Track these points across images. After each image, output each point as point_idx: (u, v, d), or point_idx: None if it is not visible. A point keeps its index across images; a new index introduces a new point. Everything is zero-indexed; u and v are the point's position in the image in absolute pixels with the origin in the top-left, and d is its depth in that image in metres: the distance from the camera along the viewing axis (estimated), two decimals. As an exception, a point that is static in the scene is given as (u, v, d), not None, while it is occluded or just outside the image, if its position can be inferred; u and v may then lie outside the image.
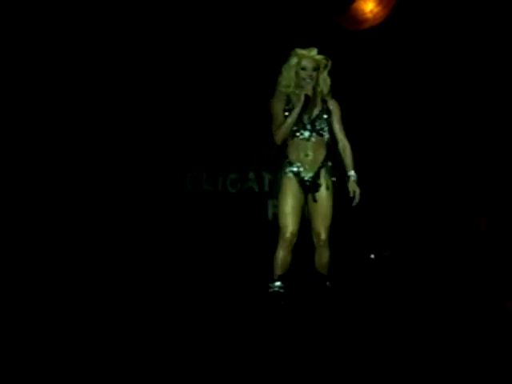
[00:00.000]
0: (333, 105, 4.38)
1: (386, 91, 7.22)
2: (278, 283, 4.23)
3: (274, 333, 3.88)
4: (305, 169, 4.28)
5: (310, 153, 4.27)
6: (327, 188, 4.29)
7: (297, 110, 4.19)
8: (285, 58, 4.36)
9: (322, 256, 4.32)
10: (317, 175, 4.29)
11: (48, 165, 6.95)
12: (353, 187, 4.29)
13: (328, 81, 4.36)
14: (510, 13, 6.70)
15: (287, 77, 4.30)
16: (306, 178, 4.28)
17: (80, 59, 6.92)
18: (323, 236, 4.27)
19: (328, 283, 4.32)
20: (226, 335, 3.82)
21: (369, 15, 6.68)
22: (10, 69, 6.73)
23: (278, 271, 4.25)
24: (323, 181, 4.28)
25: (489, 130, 7.15)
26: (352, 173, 4.32)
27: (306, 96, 4.17)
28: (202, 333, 3.86)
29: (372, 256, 7.04)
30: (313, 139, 4.28)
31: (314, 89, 4.26)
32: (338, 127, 4.36)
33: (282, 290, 4.22)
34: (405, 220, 7.26)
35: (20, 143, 6.88)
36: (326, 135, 4.33)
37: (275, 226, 4.38)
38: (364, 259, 6.97)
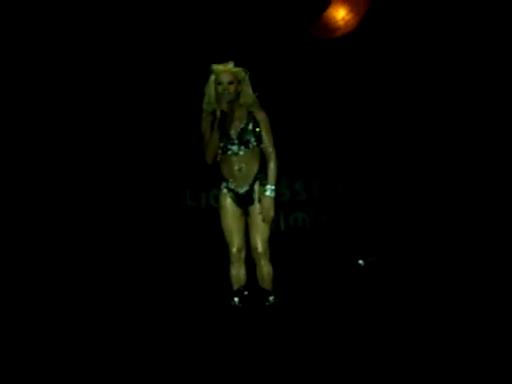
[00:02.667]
0: (259, 115, 4.27)
1: (358, 99, 7.23)
2: (236, 299, 4.30)
3: (231, 346, 3.92)
4: (238, 183, 4.28)
5: (243, 165, 4.25)
6: (260, 201, 4.25)
7: (214, 128, 4.17)
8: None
9: (262, 270, 4.29)
10: (251, 189, 4.28)
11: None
12: (266, 203, 4.21)
13: (250, 91, 4.26)
14: (498, 18, 6.74)
15: (208, 94, 4.28)
16: (240, 192, 4.29)
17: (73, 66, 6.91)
18: (260, 249, 4.26)
19: (272, 298, 4.28)
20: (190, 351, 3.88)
21: (341, 23, 6.71)
22: (10, 69, 6.72)
23: (235, 286, 4.33)
24: (258, 193, 4.26)
25: (479, 141, 7.17)
26: (268, 186, 4.23)
27: (222, 111, 4.15)
28: (177, 348, 3.93)
29: (360, 262, 7.03)
30: (241, 152, 4.24)
31: (233, 102, 4.21)
32: (264, 138, 4.27)
33: (240, 305, 4.28)
34: (391, 225, 7.27)
35: (16, 146, 6.85)
36: (253, 146, 4.25)
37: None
38: (351, 265, 6.96)
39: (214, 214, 7.13)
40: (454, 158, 7.17)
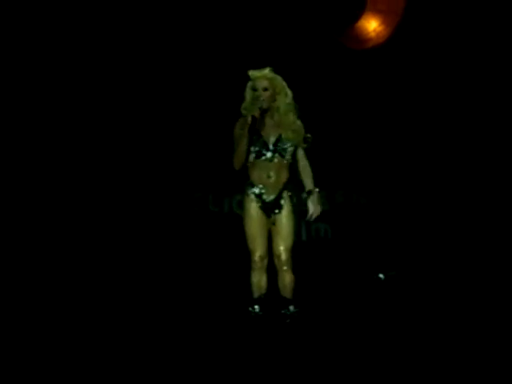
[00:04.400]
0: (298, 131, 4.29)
1: (389, 110, 7.20)
2: (256, 306, 4.25)
3: (253, 354, 3.88)
4: (267, 191, 4.25)
5: (273, 174, 4.23)
6: (289, 210, 4.25)
7: (244, 133, 4.15)
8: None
9: (284, 279, 4.26)
10: (279, 197, 4.25)
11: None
12: (312, 202, 4.26)
13: (287, 100, 4.23)
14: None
15: (246, 99, 4.28)
16: (267, 200, 4.25)
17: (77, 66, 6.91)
18: (283, 257, 4.23)
19: (292, 307, 4.24)
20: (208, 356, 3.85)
21: (372, 34, 6.69)
22: (10, 69, 6.71)
23: (256, 294, 4.27)
24: (285, 202, 4.24)
25: (486, 151, 7.11)
26: (312, 188, 4.28)
27: (253, 117, 4.12)
28: (191, 354, 3.89)
29: (381, 276, 6.98)
30: (275, 160, 4.23)
31: (268, 109, 4.20)
32: (299, 149, 4.30)
33: (260, 313, 4.23)
34: (412, 240, 7.21)
35: (16, 148, 6.87)
36: (288, 156, 4.26)
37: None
38: (372, 279, 6.91)
39: (237, 219, 7.19)
40: (476, 176, 7.13)
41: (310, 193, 4.30)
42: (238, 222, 7.02)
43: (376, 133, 7.27)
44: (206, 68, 7.05)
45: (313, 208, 4.27)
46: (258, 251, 4.25)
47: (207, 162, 7.23)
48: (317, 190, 4.29)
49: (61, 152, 6.95)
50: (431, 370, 3.53)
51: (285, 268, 4.25)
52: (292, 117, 4.26)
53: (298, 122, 4.29)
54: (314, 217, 4.29)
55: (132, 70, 7.02)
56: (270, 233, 4.30)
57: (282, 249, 4.23)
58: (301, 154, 4.32)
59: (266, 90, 4.20)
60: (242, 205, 4.41)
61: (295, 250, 4.34)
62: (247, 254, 4.34)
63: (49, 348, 3.96)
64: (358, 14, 6.74)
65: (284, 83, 4.25)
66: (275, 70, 4.24)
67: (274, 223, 4.25)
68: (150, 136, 7.20)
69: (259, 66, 4.23)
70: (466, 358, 3.78)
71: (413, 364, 3.67)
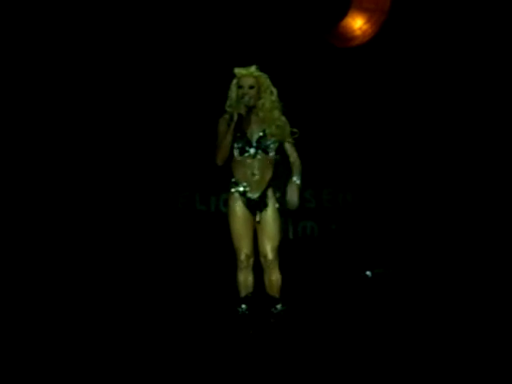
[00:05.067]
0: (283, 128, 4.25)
1: (375, 108, 7.21)
2: (243, 306, 4.21)
3: (241, 353, 3.88)
4: (251, 188, 4.22)
5: (256, 171, 4.20)
6: (274, 208, 4.21)
7: (229, 130, 4.13)
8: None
9: (271, 278, 4.21)
10: (263, 195, 4.21)
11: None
12: (291, 190, 4.17)
13: (272, 97, 4.21)
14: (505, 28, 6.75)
15: (230, 96, 4.26)
16: (252, 198, 4.22)
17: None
18: (270, 256, 4.19)
19: (279, 306, 4.19)
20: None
21: (358, 32, 6.70)
22: (10, 69, 6.71)
23: (242, 293, 4.23)
24: (270, 200, 4.21)
25: (481, 152, 7.15)
26: (295, 177, 4.21)
27: (239, 115, 4.11)
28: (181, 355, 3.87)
29: (368, 273, 7.00)
30: (258, 157, 4.20)
31: (253, 106, 4.18)
32: (287, 143, 4.27)
33: (247, 312, 4.19)
34: (399, 237, 7.24)
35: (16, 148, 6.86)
36: (272, 153, 4.23)
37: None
38: (359, 276, 6.93)
39: (224, 218, 7.21)
40: (466, 172, 7.16)
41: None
42: (224, 220, 7.06)
43: (362, 131, 7.29)
44: (188, 67, 7.04)
45: (288, 196, 4.19)
46: (244, 250, 4.21)
47: (194, 160, 7.22)
48: (298, 182, 4.21)
49: (47, 149, 6.93)
50: (418, 368, 3.54)
51: (271, 267, 4.21)
52: (277, 114, 4.23)
53: (283, 118, 4.26)
54: (290, 207, 4.20)
55: (116, 69, 7.00)
56: (256, 231, 4.26)
57: (269, 248, 4.20)
58: (289, 148, 4.28)
59: (252, 87, 4.18)
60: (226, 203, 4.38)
61: (282, 248, 4.31)
62: (234, 252, 4.32)
63: (43, 347, 3.95)
64: (343, 12, 6.74)
65: (269, 81, 4.23)
66: (260, 68, 4.23)
67: (259, 222, 4.21)
68: (137, 135, 7.18)
69: (244, 64, 4.22)
70: (454, 355, 3.79)
71: (400, 361, 3.68)
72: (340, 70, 6.99)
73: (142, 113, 7.17)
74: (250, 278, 4.26)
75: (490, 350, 3.83)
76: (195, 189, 7.40)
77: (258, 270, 4.30)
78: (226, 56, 6.59)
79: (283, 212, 4.30)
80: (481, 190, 7.11)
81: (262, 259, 4.23)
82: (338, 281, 6.64)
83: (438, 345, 4.03)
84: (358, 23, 6.69)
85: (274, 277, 4.23)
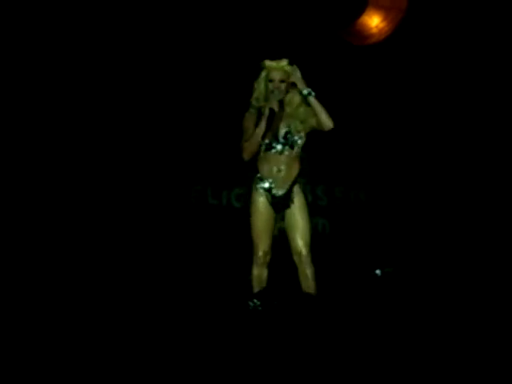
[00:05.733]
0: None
1: (389, 106, 7.20)
2: (256, 301, 4.17)
3: (252, 349, 3.84)
4: (276, 185, 4.14)
5: (283, 168, 4.13)
6: (301, 204, 4.14)
7: (260, 125, 4.05)
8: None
9: (307, 275, 4.15)
10: (289, 192, 4.14)
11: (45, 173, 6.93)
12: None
13: (305, 91, 4.13)
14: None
15: (258, 90, 4.17)
16: (277, 195, 4.14)
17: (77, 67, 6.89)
18: (304, 252, 4.13)
19: (318, 301, 4.17)
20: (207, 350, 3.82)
21: (374, 30, 6.67)
22: (9, 69, 6.68)
23: (256, 289, 4.19)
24: (296, 197, 4.14)
25: (485, 148, 7.12)
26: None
27: (271, 109, 4.04)
28: (191, 348, 3.87)
29: (377, 272, 6.98)
30: (286, 153, 4.13)
31: (283, 101, 4.12)
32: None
33: (260, 308, 4.15)
34: (410, 236, 7.22)
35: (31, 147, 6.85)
36: (298, 149, 4.17)
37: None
38: (369, 275, 6.92)
39: (236, 212, 7.22)
40: (479, 172, 7.13)
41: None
42: (236, 215, 7.09)
43: (375, 129, 7.27)
44: (202, 62, 7.03)
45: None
46: (262, 247, 4.15)
47: (206, 154, 7.22)
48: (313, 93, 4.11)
49: (53, 146, 6.92)
50: (427, 368, 3.54)
51: (306, 262, 4.14)
52: (304, 109, 4.17)
53: (307, 111, 4.17)
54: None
55: (127, 64, 6.99)
56: (284, 231, 4.19)
57: (302, 244, 4.13)
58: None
59: (282, 81, 4.10)
60: (249, 199, 4.25)
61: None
62: (246, 246, 4.30)
63: (43, 347, 3.95)
64: (360, 10, 6.72)
65: (299, 75, 4.13)
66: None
67: (282, 219, 4.14)
68: (148, 129, 7.18)
69: (259, 60, 4.18)
70: (463, 355, 3.78)
71: (409, 361, 3.68)
72: (355, 67, 6.98)
73: (154, 107, 7.16)
74: (265, 274, 4.21)
75: (498, 349, 3.82)
76: (207, 183, 7.40)
77: (272, 265, 4.27)
78: (241, 52, 6.61)
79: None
80: (493, 190, 7.09)
81: (296, 257, 4.16)
82: (349, 279, 6.63)
83: (447, 344, 4.02)
84: (374, 21, 6.65)
85: (310, 273, 4.15)
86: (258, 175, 4.20)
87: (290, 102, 4.17)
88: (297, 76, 4.12)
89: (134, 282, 6.21)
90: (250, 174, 4.28)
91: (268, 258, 4.19)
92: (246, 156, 4.13)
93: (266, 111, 4.06)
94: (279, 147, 4.14)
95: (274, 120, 4.07)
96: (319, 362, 3.67)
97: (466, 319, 4.75)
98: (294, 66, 4.14)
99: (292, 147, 4.15)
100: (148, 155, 7.19)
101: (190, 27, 6.92)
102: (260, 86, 4.17)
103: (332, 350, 3.88)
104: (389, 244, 7.24)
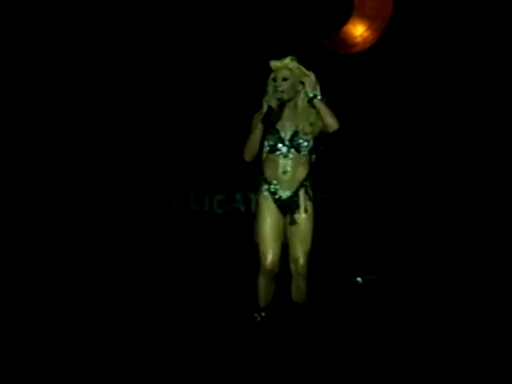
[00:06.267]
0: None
1: (372, 113, 7.22)
2: (262, 313, 4.03)
3: (256, 363, 3.77)
4: (282, 187, 4.01)
5: (288, 169, 3.99)
6: (306, 210, 4.00)
7: (259, 125, 3.93)
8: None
9: (300, 285, 4.02)
10: (295, 195, 4.00)
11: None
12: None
13: (312, 93, 4.03)
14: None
15: (267, 90, 4.09)
16: (283, 198, 4.01)
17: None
18: (301, 261, 3.95)
19: (305, 310, 4.05)
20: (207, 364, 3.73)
21: (359, 39, 6.71)
22: (9, 69, 6.68)
23: (262, 303, 4.04)
24: (302, 202, 3.99)
25: (479, 159, 7.17)
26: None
27: (269, 107, 3.91)
28: (185, 359, 3.81)
29: (358, 279, 6.99)
30: (291, 155, 4.00)
31: (288, 100, 4.02)
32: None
33: (266, 320, 4.03)
34: (393, 243, 7.24)
35: (17, 147, 6.82)
36: (305, 152, 4.04)
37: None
38: (349, 283, 6.92)
39: (218, 218, 7.20)
40: (463, 179, 7.18)
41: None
42: (218, 221, 7.07)
43: (358, 134, 7.28)
44: (193, 66, 7.02)
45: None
46: (270, 256, 3.94)
47: (189, 160, 7.21)
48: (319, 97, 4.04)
49: (37, 152, 6.90)
50: (408, 374, 3.54)
51: (302, 273, 3.97)
52: (314, 111, 4.04)
53: (316, 113, 4.05)
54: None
55: (122, 66, 6.98)
56: (286, 235, 4.03)
57: (301, 252, 3.96)
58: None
59: (285, 79, 3.99)
60: (256, 203, 4.13)
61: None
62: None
63: (42, 347, 3.92)
64: (344, 19, 6.75)
65: (314, 78, 4.06)
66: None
67: (291, 223, 3.98)
68: (131, 135, 7.15)
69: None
70: (446, 363, 3.79)
71: (390, 369, 3.68)
72: (340, 76, 7.00)
73: (136, 113, 7.14)
74: (271, 287, 4.05)
75: (484, 357, 3.83)
76: (189, 188, 7.37)
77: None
78: (227, 58, 6.61)
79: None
80: (477, 198, 7.12)
81: (292, 265, 4.01)
82: (329, 286, 6.63)
83: (430, 352, 4.02)
84: (359, 30, 6.70)
85: (303, 284, 4.01)
86: (263, 177, 4.06)
87: (301, 102, 4.06)
88: (308, 77, 4.04)
89: (114, 287, 6.17)
90: (256, 177, 4.15)
91: (276, 270, 3.98)
92: (246, 156, 4.00)
93: (264, 108, 3.96)
94: (284, 149, 4.02)
95: (272, 118, 3.97)
96: (304, 369, 3.65)
97: (450, 327, 4.76)
98: (298, 65, 4.06)
99: (298, 150, 4.03)
100: (130, 160, 7.17)
101: (187, 35, 6.94)
102: (268, 87, 4.08)
103: (315, 357, 3.86)
104: (372, 250, 7.25)
